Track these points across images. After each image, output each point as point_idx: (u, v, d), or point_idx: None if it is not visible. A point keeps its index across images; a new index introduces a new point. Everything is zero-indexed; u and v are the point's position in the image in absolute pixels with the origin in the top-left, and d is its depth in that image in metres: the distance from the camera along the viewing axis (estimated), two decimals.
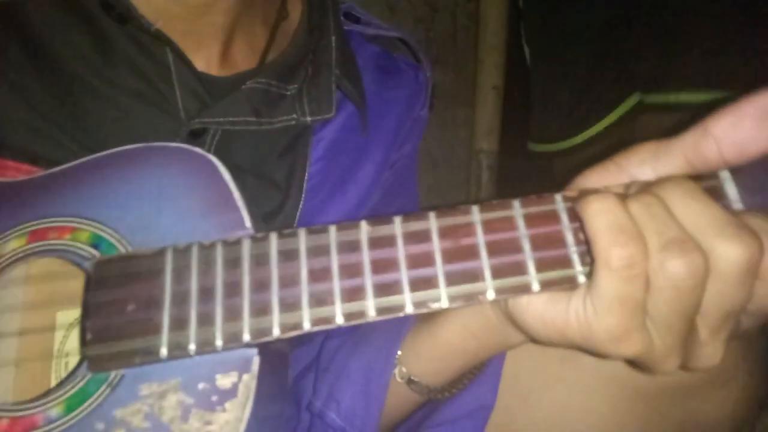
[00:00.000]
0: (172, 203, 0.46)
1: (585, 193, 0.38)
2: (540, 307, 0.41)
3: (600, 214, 0.36)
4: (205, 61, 0.63)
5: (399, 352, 0.57)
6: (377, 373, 0.57)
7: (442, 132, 1.43)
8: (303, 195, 0.68)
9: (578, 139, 1.24)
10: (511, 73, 1.42)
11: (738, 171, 0.40)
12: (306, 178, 0.68)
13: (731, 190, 0.39)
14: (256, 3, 0.66)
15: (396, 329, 0.59)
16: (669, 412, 0.56)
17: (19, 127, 0.55)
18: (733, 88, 1.05)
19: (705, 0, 1.10)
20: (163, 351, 0.40)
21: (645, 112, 1.19)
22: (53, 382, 0.45)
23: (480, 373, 0.58)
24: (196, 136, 0.60)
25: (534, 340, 0.46)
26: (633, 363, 0.41)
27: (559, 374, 0.59)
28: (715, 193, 0.39)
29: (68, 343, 0.46)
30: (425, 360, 0.56)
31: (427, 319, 0.57)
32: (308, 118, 0.65)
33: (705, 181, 0.39)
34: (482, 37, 1.40)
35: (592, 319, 0.37)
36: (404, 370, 0.57)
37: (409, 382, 0.57)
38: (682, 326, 0.36)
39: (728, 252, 0.35)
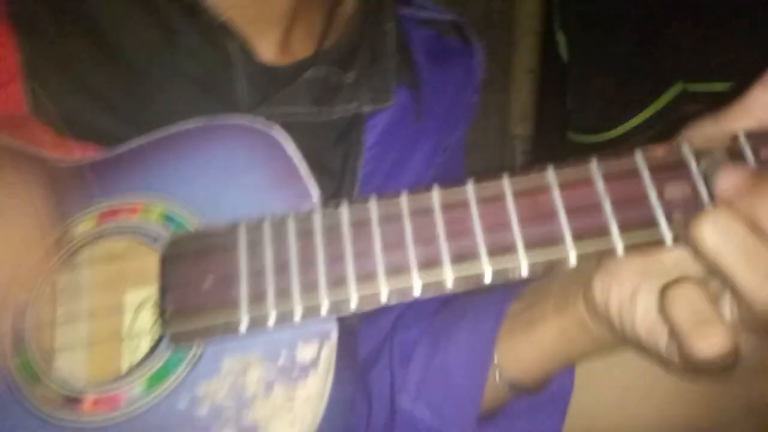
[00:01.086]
0: (238, 178, 0.46)
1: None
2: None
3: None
4: (267, 49, 0.63)
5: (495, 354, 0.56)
6: (474, 373, 0.56)
7: (476, 118, 1.42)
8: (358, 182, 0.67)
9: (620, 129, 1.23)
10: (547, 56, 1.40)
11: None
12: (360, 165, 0.68)
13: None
14: None
15: (488, 327, 0.57)
16: (735, 393, 0.55)
17: (86, 115, 0.55)
18: None
19: None
20: (243, 326, 0.40)
21: (688, 101, 1.17)
22: (124, 363, 0.45)
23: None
24: None
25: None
26: None
27: (623, 358, 0.57)
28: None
29: (137, 324, 0.47)
30: (523, 363, 0.55)
31: (521, 318, 0.56)
32: (368, 107, 0.65)
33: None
34: (517, 19, 1.38)
35: None
36: (502, 371, 0.56)
37: (509, 384, 0.56)
38: None
39: None
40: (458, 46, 0.77)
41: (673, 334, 0.37)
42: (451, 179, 0.80)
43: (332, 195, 0.66)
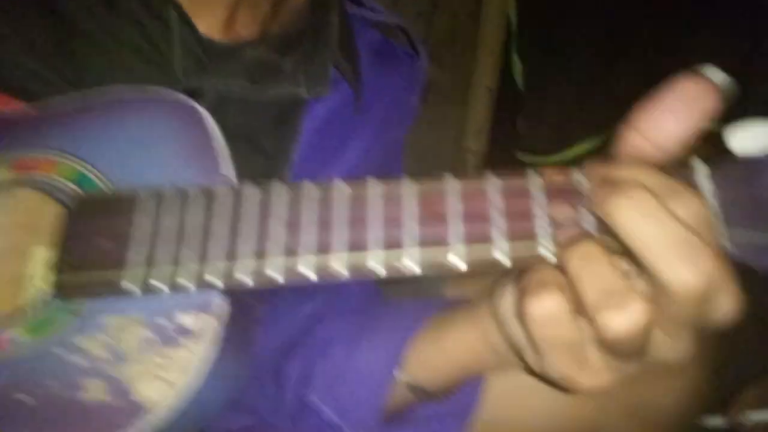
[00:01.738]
0: (155, 148, 0.47)
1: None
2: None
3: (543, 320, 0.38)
4: (208, 24, 0.64)
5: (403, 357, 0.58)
6: (379, 377, 0.58)
7: (432, 128, 1.44)
8: (290, 165, 0.69)
9: (568, 154, 1.26)
10: (506, 77, 1.43)
11: (715, 166, 0.40)
12: (294, 149, 0.69)
13: (704, 181, 0.39)
14: None
15: (400, 333, 0.59)
16: (619, 397, 0.58)
17: (17, 66, 0.56)
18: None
19: (697, 27, 1.12)
20: (129, 285, 0.41)
21: None
22: (21, 306, 0.45)
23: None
24: (191, 96, 0.61)
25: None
26: None
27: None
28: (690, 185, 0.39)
29: (38, 271, 0.47)
30: (428, 370, 0.58)
31: (432, 328, 0.58)
32: (303, 91, 0.66)
33: (679, 174, 0.40)
34: (481, 38, 1.41)
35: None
36: (406, 374, 0.58)
37: (410, 386, 0.58)
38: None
39: (679, 278, 0.34)
40: (404, 51, 0.79)
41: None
42: (387, 176, 0.82)
43: (263, 174, 0.66)
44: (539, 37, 1.27)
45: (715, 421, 0.96)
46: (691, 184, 0.40)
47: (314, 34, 0.68)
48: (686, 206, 0.35)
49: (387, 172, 0.81)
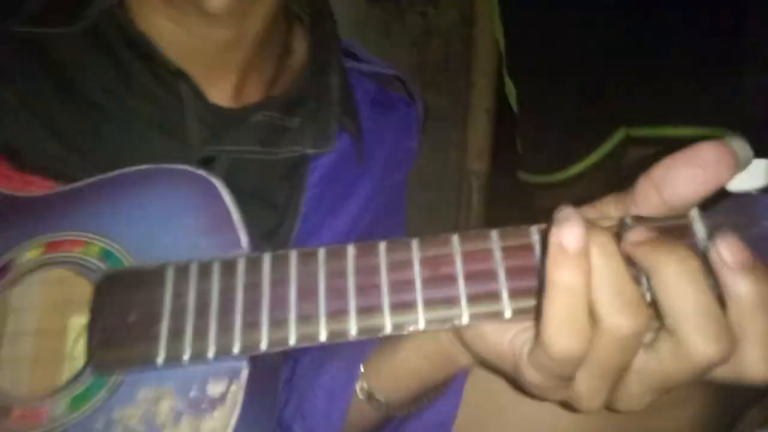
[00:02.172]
0: (176, 221, 0.50)
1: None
2: (487, 331, 0.45)
3: (561, 284, 0.37)
4: (220, 93, 0.68)
5: (362, 369, 0.61)
6: (340, 389, 0.61)
7: (435, 153, 1.47)
8: (299, 217, 0.73)
9: (571, 171, 1.28)
10: (503, 97, 1.46)
11: (708, 211, 0.42)
12: (302, 202, 0.72)
13: (699, 229, 0.41)
14: (271, 38, 0.70)
15: (360, 348, 0.62)
16: (626, 427, 0.60)
17: (43, 148, 0.60)
18: (717, 123, 1.09)
19: (689, 39, 1.14)
20: (160, 360, 0.43)
21: (632, 145, 1.23)
22: (64, 380, 0.48)
23: (441, 393, 0.61)
24: (206, 164, 0.65)
25: (480, 364, 0.49)
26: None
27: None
28: (684, 232, 0.41)
29: (77, 347, 0.50)
30: (384, 377, 0.60)
31: (389, 339, 0.60)
32: (310, 150, 0.70)
33: (674, 221, 0.42)
34: (475, 62, 1.44)
35: (525, 370, 0.41)
36: (365, 386, 0.60)
37: (369, 397, 0.60)
38: (614, 378, 0.39)
39: (700, 348, 0.36)
40: (399, 98, 0.83)
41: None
42: (391, 221, 0.85)
43: (275, 226, 0.71)
44: (529, 57, 1.29)
45: None
46: (688, 232, 0.42)
47: (316, 93, 0.72)
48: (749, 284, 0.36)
49: (391, 213, 0.85)
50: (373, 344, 0.61)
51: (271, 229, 0.70)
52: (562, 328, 0.37)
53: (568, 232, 0.36)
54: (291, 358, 0.71)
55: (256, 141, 0.67)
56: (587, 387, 0.40)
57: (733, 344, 0.36)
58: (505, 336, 0.44)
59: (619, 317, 0.36)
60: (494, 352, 0.44)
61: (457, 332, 0.49)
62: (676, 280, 0.36)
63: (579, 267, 0.36)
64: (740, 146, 0.41)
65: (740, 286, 0.36)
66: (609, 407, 0.42)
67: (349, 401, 0.60)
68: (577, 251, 0.36)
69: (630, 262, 0.38)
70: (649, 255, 0.37)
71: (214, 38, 0.65)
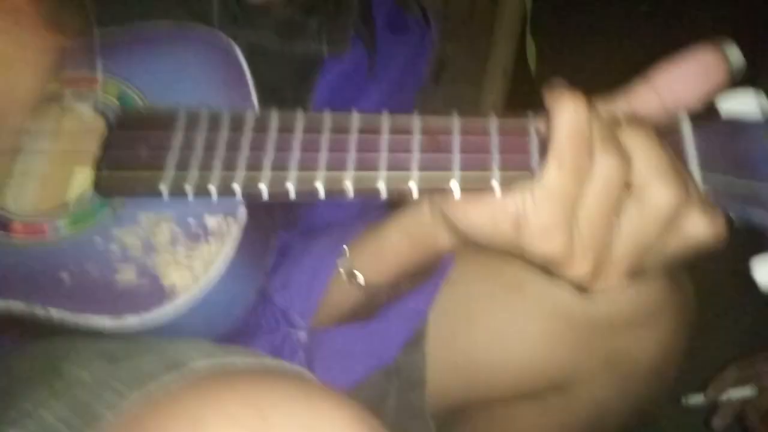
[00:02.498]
0: (192, 75, 0.53)
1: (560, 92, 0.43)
2: (472, 203, 0.46)
3: (567, 119, 0.41)
4: None
5: (346, 249, 0.63)
6: (322, 264, 0.64)
7: (447, 107, 1.48)
8: None
9: None
10: (521, 59, 1.47)
11: (700, 129, 0.44)
12: (309, 102, 0.74)
13: (687, 131, 0.44)
14: None
15: (347, 228, 0.65)
16: (596, 345, 0.62)
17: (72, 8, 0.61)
18: None
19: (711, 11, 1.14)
20: (163, 186, 0.46)
21: None
22: (68, 200, 0.50)
23: (420, 282, 0.64)
24: None
25: (464, 241, 0.51)
26: (543, 267, 0.45)
27: (504, 301, 0.65)
28: (671, 131, 0.44)
29: (85, 173, 0.51)
30: (365, 256, 0.62)
31: (374, 226, 0.63)
32: (325, 49, 0.72)
33: (667, 136, 0.44)
34: (499, 19, 1.45)
35: (530, 209, 0.42)
36: (347, 264, 0.63)
37: (350, 275, 0.63)
38: (602, 230, 0.41)
39: (659, 193, 0.40)
40: (416, 22, 0.84)
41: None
42: None
43: None
44: (554, 19, 1.29)
45: (696, 399, 1.00)
46: (677, 134, 0.44)
47: None
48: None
49: None
50: (359, 226, 0.64)
51: None
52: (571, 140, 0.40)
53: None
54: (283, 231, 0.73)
55: (274, 32, 0.68)
56: (580, 239, 0.42)
57: (687, 190, 0.40)
58: (498, 202, 0.45)
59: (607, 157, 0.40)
60: (489, 214, 0.45)
61: (445, 207, 0.50)
62: (642, 143, 0.40)
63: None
64: (734, 53, 0.43)
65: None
66: (589, 283, 0.44)
67: (329, 277, 0.62)
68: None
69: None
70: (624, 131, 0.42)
71: None
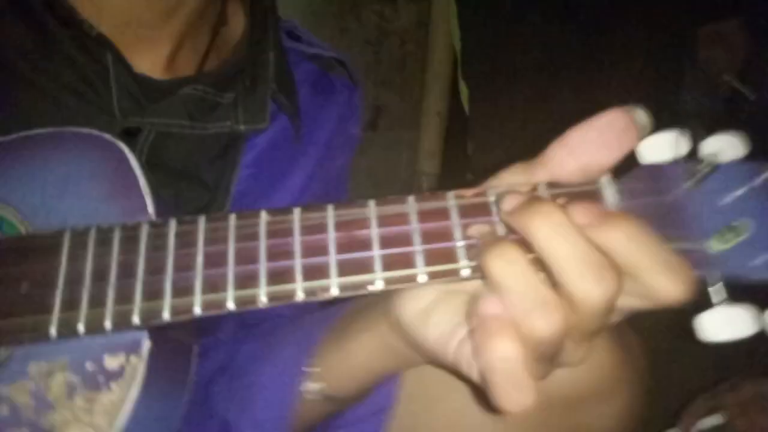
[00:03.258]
0: (76, 187, 0.47)
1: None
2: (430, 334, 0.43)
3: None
4: (151, 63, 0.65)
5: (309, 368, 0.58)
6: (287, 385, 0.58)
7: (386, 152, 1.46)
8: (230, 198, 0.70)
9: None
10: (455, 100, 1.46)
11: (619, 177, 0.42)
12: (234, 181, 0.70)
13: (610, 194, 0.41)
14: (208, 10, 0.68)
15: (306, 341, 0.60)
16: (556, 423, 0.58)
17: None
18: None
19: (628, 43, 1.16)
20: (52, 330, 0.40)
21: None
22: None
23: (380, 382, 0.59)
24: (130, 135, 0.62)
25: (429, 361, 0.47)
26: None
27: (459, 383, 0.60)
28: (594, 197, 0.41)
29: None
30: (334, 376, 0.58)
31: (336, 334, 0.58)
32: (242, 127, 0.68)
33: (586, 187, 0.42)
34: (429, 64, 1.44)
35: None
36: (315, 385, 0.58)
37: (322, 395, 0.58)
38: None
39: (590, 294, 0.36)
40: (342, 82, 0.80)
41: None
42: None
43: (204, 207, 0.68)
44: (483, 62, 1.30)
45: None
46: (597, 195, 0.41)
47: (252, 70, 0.69)
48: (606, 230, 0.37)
49: (331, 199, 0.82)
50: (316, 338, 0.59)
51: (200, 208, 0.67)
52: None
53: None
54: (211, 335, 0.67)
55: (184, 114, 0.64)
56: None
57: (619, 278, 0.36)
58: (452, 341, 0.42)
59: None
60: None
61: (408, 342, 0.47)
62: (548, 236, 0.36)
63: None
64: (640, 113, 0.41)
65: (610, 234, 0.37)
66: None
67: (296, 398, 0.57)
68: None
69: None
70: (520, 220, 0.38)
71: (155, 6, 0.62)
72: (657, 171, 0.41)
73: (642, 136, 0.41)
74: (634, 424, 0.61)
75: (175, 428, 0.47)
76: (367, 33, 1.45)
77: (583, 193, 0.41)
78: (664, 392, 0.71)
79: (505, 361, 0.36)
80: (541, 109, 1.24)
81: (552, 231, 0.36)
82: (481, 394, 0.40)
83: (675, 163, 0.41)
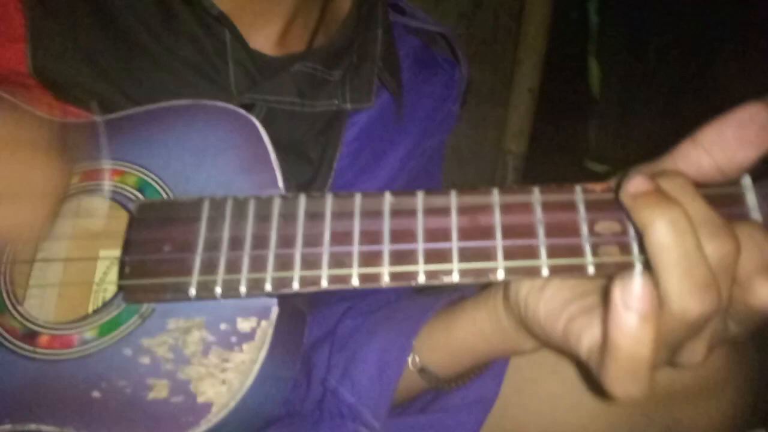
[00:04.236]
0: (213, 158, 0.50)
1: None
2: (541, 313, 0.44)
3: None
4: (264, 40, 0.67)
5: (414, 342, 0.60)
6: (393, 359, 0.60)
7: (473, 129, 1.45)
8: (333, 173, 0.71)
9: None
10: (548, 77, 1.43)
11: (760, 179, 0.40)
12: (336, 157, 0.71)
13: (751, 198, 0.40)
14: None
15: (414, 320, 0.61)
16: (656, 416, 0.58)
17: (85, 81, 0.59)
18: None
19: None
20: (192, 290, 0.43)
21: None
22: (91, 308, 0.49)
23: (486, 368, 0.60)
24: (243, 110, 0.64)
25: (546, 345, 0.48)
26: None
27: (555, 368, 0.61)
28: (735, 201, 0.40)
29: (108, 277, 0.50)
30: (438, 353, 0.59)
31: (444, 314, 0.60)
32: (348, 105, 0.69)
33: (725, 188, 0.41)
34: (523, 38, 1.41)
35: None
36: (417, 359, 0.60)
37: (421, 371, 0.60)
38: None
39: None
40: (444, 58, 0.80)
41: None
42: (427, 184, 0.84)
43: (308, 181, 0.70)
44: (622, 41, 1.20)
45: None
46: (738, 198, 0.40)
47: (360, 47, 0.70)
48: (718, 244, 0.36)
49: (426, 177, 0.83)
50: (425, 318, 0.60)
51: (304, 182, 0.70)
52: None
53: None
54: (322, 307, 0.70)
55: (294, 91, 0.66)
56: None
57: (720, 300, 0.35)
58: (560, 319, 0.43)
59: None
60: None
61: (520, 317, 0.48)
62: (664, 237, 0.35)
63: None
64: None
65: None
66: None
67: (401, 372, 0.59)
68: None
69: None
70: (642, 211, 0.37)
71: None
72: None
73: None
74: (737, 423, 0.60)
75: (287, 390, 0.50)
76: (460, 5, 1.44)
77: (722, 195, 0.40)
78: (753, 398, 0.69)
79: (635, 343, 0.35)
80: (688, 96, 1.14)
81: (669, 233, 0.35)
82: (589, 374, 0.41)
83: None
